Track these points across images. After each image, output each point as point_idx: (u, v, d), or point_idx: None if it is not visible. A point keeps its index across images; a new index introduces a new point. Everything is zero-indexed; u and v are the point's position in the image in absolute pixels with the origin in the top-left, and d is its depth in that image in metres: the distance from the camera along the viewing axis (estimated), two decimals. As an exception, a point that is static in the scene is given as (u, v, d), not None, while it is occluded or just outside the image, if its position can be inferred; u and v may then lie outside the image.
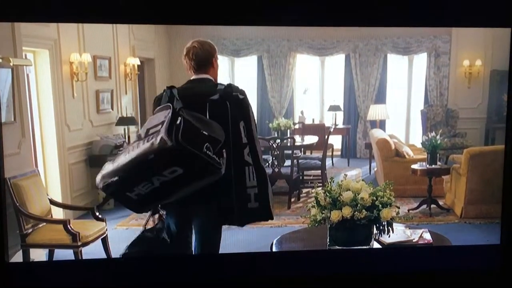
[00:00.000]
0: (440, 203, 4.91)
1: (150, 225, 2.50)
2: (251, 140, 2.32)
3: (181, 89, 2.37)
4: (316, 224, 2.74)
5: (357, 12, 2.77)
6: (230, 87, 2.35)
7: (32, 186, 3.60)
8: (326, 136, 5.85)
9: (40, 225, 3.54)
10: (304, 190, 5.51)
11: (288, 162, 5.22)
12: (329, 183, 2.80)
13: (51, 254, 3.60)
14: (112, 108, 5.50)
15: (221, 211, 2.40)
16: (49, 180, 4.50)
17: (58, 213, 3.94)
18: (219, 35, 7.07)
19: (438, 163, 4.85)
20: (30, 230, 3.46)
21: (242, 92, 2.36)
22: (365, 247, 2.76)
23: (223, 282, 2.87)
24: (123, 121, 5.53)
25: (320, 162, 5.57)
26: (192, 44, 2.45)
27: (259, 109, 7.60)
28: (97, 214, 3.71)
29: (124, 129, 5.53)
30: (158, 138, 2.04)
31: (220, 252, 2.65)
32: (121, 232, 4.36)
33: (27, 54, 4.17)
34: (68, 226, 3.40)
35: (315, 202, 2.77)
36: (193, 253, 2.57)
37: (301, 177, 5.62)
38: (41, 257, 3.62)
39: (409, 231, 3.09)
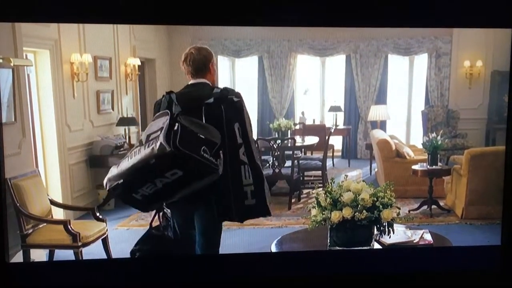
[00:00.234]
0: (441, 204, 4.90)
1: (156, 223, 2.61)
2: (246, 140, 2.45)
3: (179, 94, 2.51)
4: (317, 225, 2.74)
5: (357, 12, 2.77)
6: (226, 90, 2.48)
7: (33, 187, 3.60)
8: (327, 137, 5.85)
9: (41, 226, 3.54)
10: (305, 191, 5.50)
11: (288, 163, 5.22)
12: (330, 184, 2.81)
13: (51, 254, 3.60)
14: (113, 109, 5.50)
15: (220, 208, 2.50)
16: (49, 181, 4.50)
17: (58, 214, 3.94)
18: (220, 36, 7.09)
19: (439, 163, 4.84)
20: (30, 231, 3.46)
21: (237, 95, 2.49)
22: (365, 247, 2.76)
23: (224, 282, 2.88)
24: (124, 121, 5.53)
25: (320, 163, 5.57)
26: (189, 50, 2.59)
27: (260, 109, 7.60)
28: (98, 214, 3.71)
29: (125, 130, 5.54)
30: (158, 144, 2.18)
31: (220, 252, 2.69)
32: (121, 232, 4.35)
33: (28, 54, 4.17)
34: (69, 226, 3.40)
35: (315, 202, 2.77)
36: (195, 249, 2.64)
37: (301, 178, 5.61)
38: (42, 257, 3.62)
39: (409, 231, 3.09)
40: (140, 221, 4.55)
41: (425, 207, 4.87)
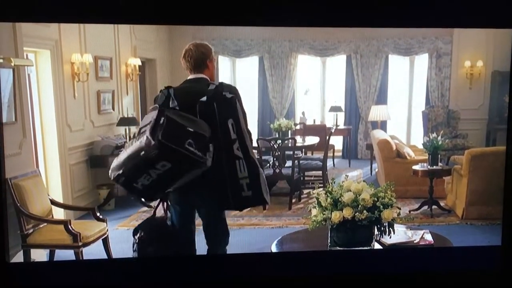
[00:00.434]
0: (441, 204, 4.90)
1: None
2: (241, 135, 2.49)
3: (177, 89, 2.59)
4: (317, 225, 2.74)
5: (357, 12, 2.76)
6: (221, 86, 2.52)
7: (33, 187, 3.60)
8: (327, 137, 5.84)
9: (41, 226, 3.54)
10: (305, 191, 5.49)
11: (289, 163, 5.23)
12: (330, 184, 2.81)
13: (51, 254, 3.60)
14: (113, 109, 5.50)
15: (219, 199, 2.58)
16: (50, 181, 4.50)
17: (59, 214, 3.94)
18: (220, 36, 7.09)
19: (439, 164, 4.84)
20: (31, 231, 3.46)
21: (232, 90, 2.53)
22: (366, 248, 2.76)
23: (224, 282, 2.88)
24: (124, 121, 5.53)
25: (321, 163, 5.57)
26: (188, 46, 2.65)
27: (260, 109, 7.61)
28: (98, 214, 3.71)
29: (125, 130, 5.54)
30: (144, 137, 2.30)
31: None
32: (122, 232, 4.35)
33: (29, 54, 4.17)
34: (69, 226, 3.40)
35: (316, 203, 2.77)
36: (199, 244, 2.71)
37: (302, 178, 5.61)
38: (42, 257, 3.62)
39: (410, 232, 3.08)
40: (140, 221, 4.53)
41: (425, 207, 4.86)
